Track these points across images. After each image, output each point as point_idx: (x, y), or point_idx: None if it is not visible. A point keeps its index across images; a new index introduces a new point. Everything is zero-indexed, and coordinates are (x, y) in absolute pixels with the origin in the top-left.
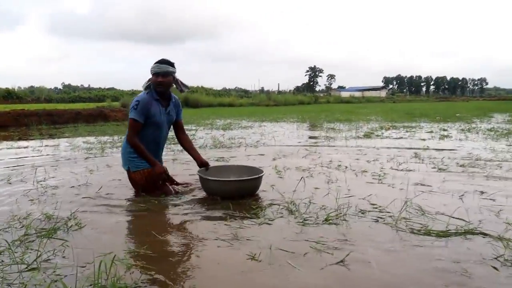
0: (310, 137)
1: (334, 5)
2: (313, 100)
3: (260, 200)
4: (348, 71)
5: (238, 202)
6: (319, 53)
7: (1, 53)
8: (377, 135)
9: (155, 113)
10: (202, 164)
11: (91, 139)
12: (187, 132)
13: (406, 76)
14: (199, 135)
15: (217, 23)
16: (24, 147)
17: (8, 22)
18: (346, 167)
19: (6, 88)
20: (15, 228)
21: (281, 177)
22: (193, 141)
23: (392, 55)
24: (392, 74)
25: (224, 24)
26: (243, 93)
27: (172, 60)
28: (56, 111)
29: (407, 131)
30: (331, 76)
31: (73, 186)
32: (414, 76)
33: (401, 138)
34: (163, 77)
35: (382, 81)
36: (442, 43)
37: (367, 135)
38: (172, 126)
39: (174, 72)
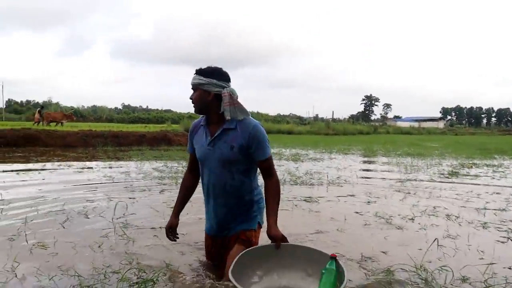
0: (389, 172)
1: (392, 33)
2: (372, 130)
3: (378, 261)
4: (404, 100)
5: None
6: (375, 80)
7: (69, 75)
8: (464, 174)
9: (196, 142)
10: (272, 237)
11: (160, 165)
12: None
13: (465, 107)
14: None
15: (274, 50)
16: (95, 170)
17: (78, 47)
18: (457, 217)
19: (71, 106)
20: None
21: (390, 228)
22: None
23: (451, 84)
24: (451, 104)
25: (281, 51)
26: (298, 119)
27: (217, 67)
28: (121, 133)
29: (494, 171)
30: (387, 105)
31: (154, 228)
32: (475, 107)
33: (493, 178)
34: (193, 93)
35: (440, 112)
36: (505, 72)
37: (453, 174)
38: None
39: (209, 84)
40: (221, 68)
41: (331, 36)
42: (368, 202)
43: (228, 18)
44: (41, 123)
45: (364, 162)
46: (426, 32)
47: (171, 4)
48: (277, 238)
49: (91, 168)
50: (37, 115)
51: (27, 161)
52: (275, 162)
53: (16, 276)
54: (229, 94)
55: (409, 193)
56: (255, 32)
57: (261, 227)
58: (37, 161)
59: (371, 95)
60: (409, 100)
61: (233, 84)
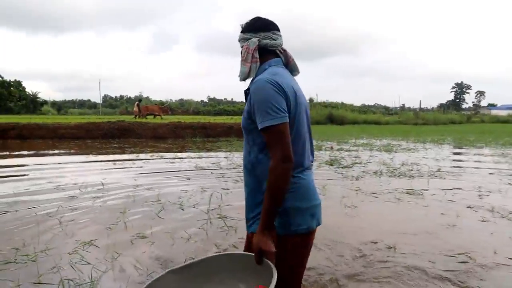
0: (496, 164)
1: (483, 13)
2: (464, 119)
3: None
4: (499, 87)
5: None
6: (466, 66)
7: (158, 70)
8: None
9: None
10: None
11: None
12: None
13: None
14: (364, 158)
15: (357, 38)
16: (186, 161)
17: (165, 43)
18: None
19: (160, 100)
20: None
21: None
22: (362, 166)
23: None
24: None
25: (364, 39)
26: (384, 109)
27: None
28: (209, 124)
29: None
30: (480, 93)
31: None
32: None
33: None
34: None
35: None
36: None
37: None
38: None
39: (239, 41)
40: (256, 17)
41: (416, 21)
42: (480, 196)
43: (309, 8)
44: (139, 116)
45: (463, 153)
46: None
47: None
48: (254, 249)
49: (182, 158)
50: (136, 109)
51: (122, 152)
52: (366, 152)
53: (114, 266)
54: (246, 47)
55: None
56: (336, 20)
57: (282, 234)
58: (132, 152)
59: (462, 82)
60: (505, 87)
61: (316, 74)
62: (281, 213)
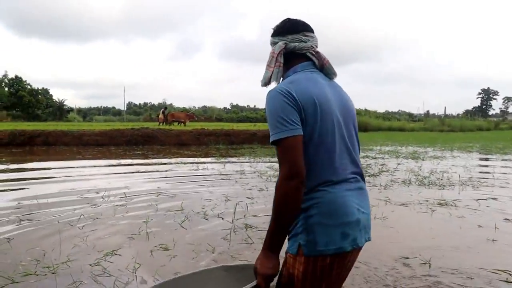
0: None
1: (509, 18)
2: (492, 126)
3: None
4: None
5: None
6: (493, 72)
7: (181, 78)
8: None
9: None
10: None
11: (273, 164)
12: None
13: None
14: (391, 165)
15: (379, 44)
16: (210, 168)
17: (188, 51)
18: None
19: (183, 107)
20: None
21: None
22: (390, 175)
23: None
24: None
25: (387, 45)
26: (408, 116)
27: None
28: (232, 131)
29: None
30: (508, 99)
31: None
32: None
33: None
34: None
35: None
36: None
37: None
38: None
39: (274, 43)
40: (285, 19)
41: (440, 25)
42: None
43: (332, 15)
44: (164, 123)
45: (493, 160)
46: None
47: (276, 3)
48: (255, 271)
49: (206, 166)
50: (161, 116)
51: (146, 158)
52: (392, 160)
53: (136, 278)
54: (272, 51)
55: None
56: (359, 27)
57: (307, 255)
58: (155, 159)
59: (488, 88)
60: None
61: (340, 81)
62: (306, 230)
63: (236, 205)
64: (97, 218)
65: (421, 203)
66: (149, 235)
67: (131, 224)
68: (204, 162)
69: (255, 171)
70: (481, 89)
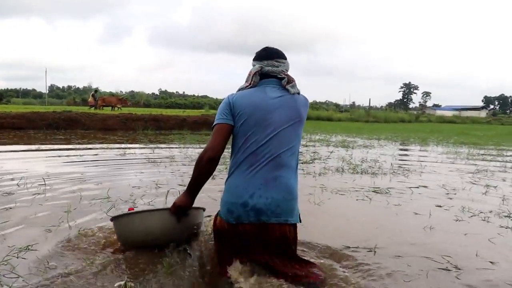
0: (452, 164)
1: (431, 20)
2: (413, 118)
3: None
4: (444, 88)
5: None
6: (414, 69)
7: (109, 62)
8: None
9: None
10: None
11: None
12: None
13: (510, 96)
14: (322, 153)
15: (312, 37)
16: (138, 154)
17: (118, 35)
18: None
19: (109, 92)
20: None
21: (488, 226)
22: (323, 162)
23: (494, 72)
24: (494, 93)
25: (319, 38)
26: (334, 107)
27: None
28: (161, 116)
29: None
30: (426, 94)
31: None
32: None
33: None
34: None
35: (482, 101)
36: None
37: None
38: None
39: (253, 66)
40: (264, 47)
41: (370, 24)
42: (447, 194)
43: (266, 5)
44: (94, 107)
45: (420, 150)
46: (467, 18)
47: None
48: (173, 205)
49: (134, 151)
50: (91, 99)
51: (69, 143)
52: (323, 148)
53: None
54: (250, 72)
55: (489, 185)
56: (293, 19)
57: (220, 219)
58: (79, 144)
59: (409, 82)
60: (449, 89)
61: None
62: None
63: (168, 192)
64: (11, 208)
65: (357, 191)
66: (71, 226)
67: (50, 214)
68: (132, 148)
69: (186, 157)
70: (403, 83)
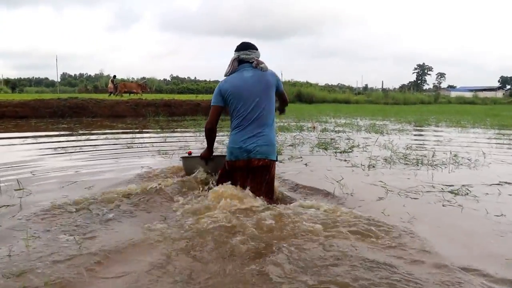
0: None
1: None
2: (433, 100)
3: None
4: (459, 69)
5: None
6: (428, 48)
7: (119, 48)
8: None
9: None
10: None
11: (225, 138)
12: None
13: None
14: (357, 140)
15: (321, 18)
16: (148, 144)
17: (127, 21)
18: None
19: (121, 78)
20: None
21: None
22: (364, 151)
23: (511, 51)
24: (511, 73)
25: (328, 19)
26: (347, 89)
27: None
28: (174, 101)
29: None
30: (441, 75)
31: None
32: None
33: None
34: None
35: (498, 81)
36: None
37: None
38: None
39: (234, 54)
40: (242, 42)
41: (379, 1)
42: None
43: None
44: (114, 93)
45: (461, 134)
46: None
47: None
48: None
49: (142, 140)
50: (110, 85)
51: (71, 133)
52: (355, 134)
53: None
54: (232, 59)
55: None
56: (300, 1)
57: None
58: (81, 133)
59: (423, 64)
60: (463, 69)
61: (280, 54)
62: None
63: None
64: None
65: (429, 191)
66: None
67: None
68: (141, 137)
69: (202, 148)
70: (417, 65)
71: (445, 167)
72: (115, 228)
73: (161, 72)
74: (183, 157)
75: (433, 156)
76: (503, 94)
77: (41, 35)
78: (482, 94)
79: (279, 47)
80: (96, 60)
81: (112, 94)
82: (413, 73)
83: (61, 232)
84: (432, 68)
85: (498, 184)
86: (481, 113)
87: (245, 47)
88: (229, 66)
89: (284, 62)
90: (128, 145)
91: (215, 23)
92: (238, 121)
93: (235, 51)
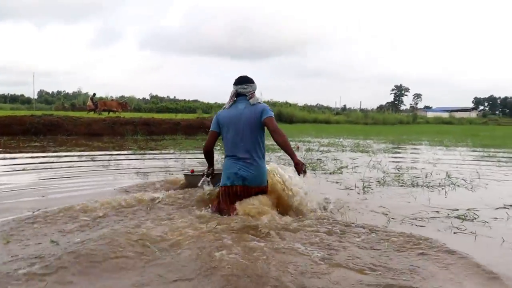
0: (503, 168)
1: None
2: (411, 120)
3: None
4: (434, 90)
5: None
6: (405, 70)
7: (99, 66)
8: None
9: None
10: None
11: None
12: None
13: (499, 97)
14: (345, 160)
15: (302, 39)
16: (125, 164)
17: (108, 39)
18: None
19: (100, 96)
20: None
21: None
22: (354, 172)
23: (484, 73)
24: (484, 94)
25: (309, 40)
26: (326, 110)
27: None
28: (153, 120)
29: None
30: (417, 95)
31: None
32: (509, 97)
33: None
34: None
35: (472, 102)
36: None
37: None
38: None
39: (233, 89)
40: (239, 76)
41: (360, 25)
42: None
43: (257, 8)
44: (94, 111)
45: (448, 154)
46: (458, 19)
47: None
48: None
49: (119, 161)
50: (89, 103)
51: (43, 151)
52: (341, 154)
53: None
54: (231, 92)
55: None
56: (283, 21)
57: (220, 187)
58: (54, 151)
59: (401, 85)
60: (439, 90)
61: (262, 74)
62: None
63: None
64: None
65: (435, 218)
66: None
67: None
68: (118, 157)
69: (183, 169)
70: (395, 86)
71: (442, 189)
72: None
73: (140, 90)
74: (185, 175)
75: (427, 177)
76: (477, 114)
77: (20, 51)
78: (457, 115)
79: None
80: (75, 77)
81: (90, 112)
82: (391, 93)
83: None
84: (409, 89)
85: (504, 208)
86: (460, 133)
87: (242, 81)
88: (229, 99)
89: (264, 82)
90: (103, 164)
91: (197, 42)
92: (228, 147)
93: (233, 85)
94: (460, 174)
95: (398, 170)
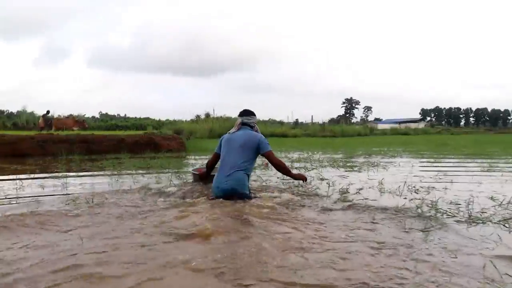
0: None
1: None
2: (368, 132)
3: None
4: (383, 102)
5: None
6: (355, 84)
7: (45, 84)
8: None
9: None
10: None
11: (150, 180)
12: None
13: (444, 108)
14: (331, 178)
15: (253, 55)
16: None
17: (55, 56)
18: None
19: (51, 115)
20: None
21: None
22: (357, 195)
23: (430, 86)
24: (430, 105)
25: (259, 56)
26: (279, 124)
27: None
28: (92, 137)
29: None
30: (367, 108)
31: None
32: (453, 108)
33: None
34: None
35: (420, 113)
36: (483, 74)
37: None
38: None
39: (238, 119)
40: (244, 109)
41: (309, 41)
42: None
43: (207, 25)
44: (46, 130)
45: (446, 167)
46: (403, 33)
47: (150, 12)
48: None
49: (40, 188)
50: (41, 121)
51: None
52: (321, 170)
53: None
54: (238, 122)
55: None
56: (234, 38)
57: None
58: None
59: (351, 98)
60: (388, 103)
61: (213, 90)
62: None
63: None
64: None
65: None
66: None
67: None
68: (28, 183)
69: (119, 197)
70: (345, 99)
71: (486, 224)
72: None
73: (90, 109)
74: (193, 173)
75: (451, 203)
76: (425, 125)
77: None
78: (407, 126)
79: (212, 83)
80: (19, 96)
81: (42, 131)
82: (342, 106)
83: None
84: (360, 102)
85: None
86: (424, 143)
87: (246, 113)
88: (235, 126)
89: (216, 99)
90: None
91: (147, 59)
92: (221, 163)
93: (239, 115)
94: (484, 194)
95: (412, 192)
